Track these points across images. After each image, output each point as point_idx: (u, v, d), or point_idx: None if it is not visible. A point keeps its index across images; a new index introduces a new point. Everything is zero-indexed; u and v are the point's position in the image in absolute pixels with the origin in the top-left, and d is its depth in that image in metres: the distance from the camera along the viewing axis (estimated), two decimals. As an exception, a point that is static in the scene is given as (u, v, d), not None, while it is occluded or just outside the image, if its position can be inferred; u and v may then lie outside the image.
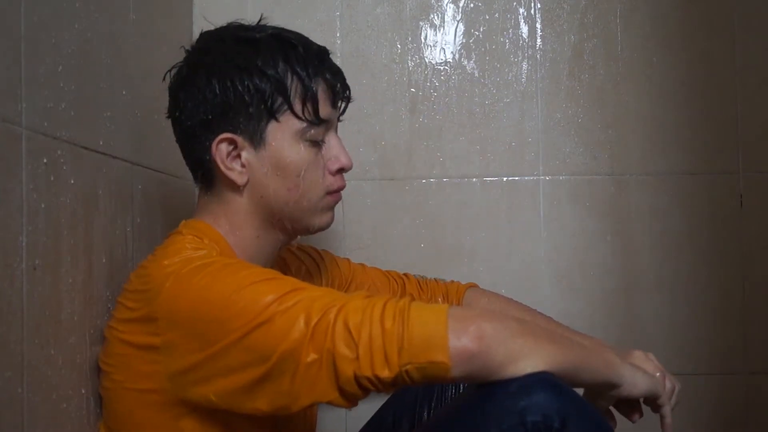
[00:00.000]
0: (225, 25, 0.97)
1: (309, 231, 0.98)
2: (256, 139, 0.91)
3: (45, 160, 0.79)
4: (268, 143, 0.91)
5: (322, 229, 0.98)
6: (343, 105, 0.98)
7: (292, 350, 0.76)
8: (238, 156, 0.92)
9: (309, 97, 0.91)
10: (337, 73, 0.96)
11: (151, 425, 0.85)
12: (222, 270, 0.82)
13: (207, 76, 0.91)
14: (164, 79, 0.98)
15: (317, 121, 0.92)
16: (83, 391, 0.87)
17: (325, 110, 0.93)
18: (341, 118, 0.99)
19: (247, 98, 0.90)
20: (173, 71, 0.97)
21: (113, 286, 0.95)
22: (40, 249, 0.77)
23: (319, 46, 0.96)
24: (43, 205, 0.78)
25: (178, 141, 0.97)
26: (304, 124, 0.92)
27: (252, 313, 0.77)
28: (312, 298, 0.79)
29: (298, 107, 0.91)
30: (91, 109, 0.93)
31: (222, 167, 0.91)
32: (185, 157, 0.97)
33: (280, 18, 1.44)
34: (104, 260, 0.94)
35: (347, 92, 0.97)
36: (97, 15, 0.94)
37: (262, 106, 0.90)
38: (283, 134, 0.91)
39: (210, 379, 0.80)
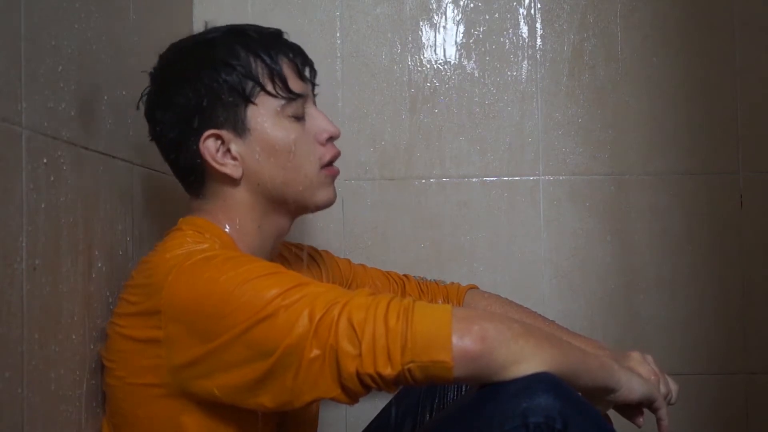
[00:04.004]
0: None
1: (312, 208, 0.98)
2: (240, 128, 0.92)
3: (45, 160, 0.79)
4: (252, 128, 0.92)
5: (325, 205, 0.99)
6: (311, 77, 0.99)
7: (296, 345, 0.76)
8: (228, 150, 0.92)
9: (276, 75, 0.93)
10: (297, 49, 0.97)
11: (154, 420, 0.85)
12: (225, 263, 0.82)
13: (176, 85, 0.93)
14: (138, 107, 0.99)
15: (292, 95, 0.93)
16: (83, 391, 0.87)
17: (295, 84, 0.94)
18: (316, 92, 1.00)
19: (219, 92, 0.91)
20: (144, 98, 0.98)
21: (113, 286, 0.95)
22: (40, 249, 0.77)
23: (272, 29, 0.97)
24: (43, 205, 0.78)
25: (166, 158, 0.97)
26: (282, 101, 0.93)
27: (255, 308, 0.77)
28: (316, 293, 0.79)
29: (269, 86, 0.92)
30: (91, 109, 0.93)
31: (215, 165, 0.92)
32: (176, 169, 0.97)
33: (280, 18, 1.45)
34: (104, 260, 0.94)
35: (310, 64, 0.99)
36: (97, 15, 0.94)
37: (236, 94, 0.91)
38: (264, 115, 0.93)
39: (212, 373, 0.80)
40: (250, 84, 0.92)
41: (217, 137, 0.92)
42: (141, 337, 0.84)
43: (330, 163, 0.98)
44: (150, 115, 0.97)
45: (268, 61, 0.92)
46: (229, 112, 0.91)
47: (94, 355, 0.90)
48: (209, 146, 0.92)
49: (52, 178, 0.80)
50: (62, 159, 0.83)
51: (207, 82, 0.91)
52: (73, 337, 0.85)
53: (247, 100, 0.92)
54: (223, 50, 0.93)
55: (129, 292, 0.88)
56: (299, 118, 0.95)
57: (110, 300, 0.94)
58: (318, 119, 0.97)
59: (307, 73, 0.98)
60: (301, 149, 0.94)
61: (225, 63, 0.92)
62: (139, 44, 1.09)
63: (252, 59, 0.92)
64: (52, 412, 0.80)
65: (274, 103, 0.93)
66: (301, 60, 0.97)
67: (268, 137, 0.93)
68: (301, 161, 0.94)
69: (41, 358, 0.77)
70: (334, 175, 0.99)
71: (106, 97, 0.97)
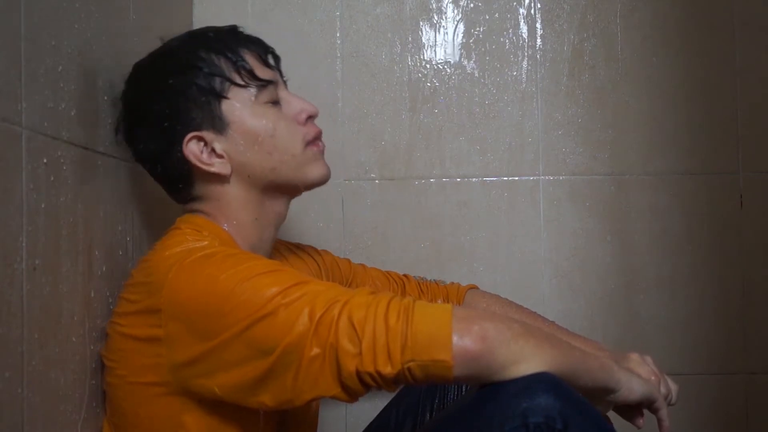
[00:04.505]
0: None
1: (307, 185, 0.99)
2: (218, 125, 0.93)
3: (45, 160, 0.79)
4: (231, 121, 0.93)
5: (320, 181, 0.99)
6: (276, 64, 1.00)
7: (296, 344, 0.76)
8: (213, 150, 0.93)
9: (241, 66, 0.94)
10: (256, 40, 0.98)
11: (155, 419, 0.85)
12: (225, 261, 0.82)
13: (147, 100, 0.94)
14: (117, 134, 0.99)
15: (262, 82, 0.94)
16: (83, 391, 0.87)
17: (262, 72, 0.95)
18: (285, 78, 1.01)
19: (190, 94, 0.92)
20: (120, 124, 0.98)
21: (113, 286, 0.95)
22: (40, 249, 0.77)
23: (228, 26, 0.99)
24: (43, 205, 0.78)
25: (153, 173, 0.98)
26: (254, 90, 0.94)
27: (255, 306, 0.78)
28: (316, 292, 0.79)
29: (237, 79, 0.93)
30: (91, 109, 0.93)
31: (202, 166, 0.92)
32: (165, 181, 0.98)
33: (280, 18, 1.45)
34: (104, 260, 0.94)
35: (272, 51, 1.00)
36: (97, 15, 0.94)
37: (207, 93, 0.92)
38: (239, 107, 0.93)
39: (213, 372, 0.80)
40: (218, 80, 0.93)
41: (199, 139, 0.92)
42: (141, 335, 0.84)
43: (314, 141, 0.98)
44: (129, 137, 0.97)
45: (230, 55, 0.94)
46: (204, 111, 0.92)
47: (94, 355, 0.90)
48: (193, 149, 0.92)
49: (52, 178, 0.80)
50: (62, 159, 0.83)
51: (176, 87, 0.92)
52: (74, 336, 0.85)
53: (219, 95, 0.92)
54: (185, 55, 0.94)
55: (129, 291, 0.88)
56: (275, 103, 0.96)
57: (110, 300, 0.94)
58: (294, 101, 0.98)
59: (271, 60, 0.98)
60: (283, 131, 0.95)
61: (189, 66, 0.93)
62: (139, 44, 1.09)
63: (215, 57, 0.93)
64: (52, 412, 0.80)
65: (247, 94, 0.94)
66: (262, 49, 0.98)
67: (248, 127, 0.93)
68: (286, 143, 0.95)
69: (41, 358, 0.77)
70: (321, 150, 1.00)
71: (106, 97, 0.97)
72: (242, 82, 0.93)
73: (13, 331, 0.71)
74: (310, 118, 0.99)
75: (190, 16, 1.44)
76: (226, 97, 0.93)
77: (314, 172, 0.98)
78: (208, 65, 0.93)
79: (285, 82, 1.01)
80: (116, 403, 0.89)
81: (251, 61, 0.95)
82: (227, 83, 0.93)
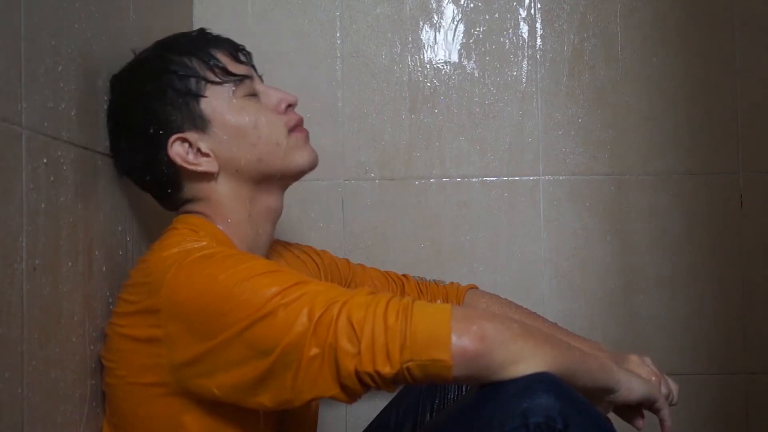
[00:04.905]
0: None
1: (296, 171, 0.98)
2: (200, 123, 0.93)
3: (45, 160, 0.79)
4: (212, 118, 0.93)
5: (308, 166, 0.99)
6: (248, 60, 1.00)
7: (296, 344, 0.76)
8: (198, 151, 0.93)
9: (214, 65, 0.95)
10: (224, 39, 0.99)
11: (155, 420, 0.85)
12: (224, 261, 0.82)
13: (127, 111, 0.95)
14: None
15: (237, 77, 0.95)
16: (83, 391, 0.87)
17: (235, 68, 0.96)
18: (260, 74, 1.02)
19: (167, 98, 0.93)
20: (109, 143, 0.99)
21: (113, 286, 0.95)
22: (40, 249, 0.77)
23: (196, 30, 1.00)
24: (43, 205, 0.78)
25: (142, 183, 0.98)
26: (231, 85, 0.95)
27: (254, 306, 0.78)
28: (315, 292, 0.79)
29: (212, 76, 0.94)
30: (91, 109, 0.93)
31: (189, 167, 0.93)
32: (155, 188, 0.98)
33: (280, 18, 1.45)
34: (104, 260, 0.94)
35: (242, 48, 1.00)
36: (97, 15, 0.94)
37: (185, 94, 0.93)
38: (218, 104, 0.94)
39: (212, 372, 0.80)
40: (193, 80, 0.93)
41: (183, 140, 0.93)
42: (141, 336, 0.84)
43: (297, 127, 0.99)
44: (116, 151, 0.98)
45: (201, 55, 0.95)
46: (183, 112, 0.93)
47: (94, 355, 0.90)
48: (178, 151, 0.92)
49: (52, 178, 0.80)
50: (62, 159, 0.83)
51: (153, 94, 0.93)
52: (74, 336, 0.85)
53: (197, 95, 0.93)
54: (158, 61, 0.95)
55: (128, 292, 0.88)
56: (253, 95, 0.97)
57: (110, 300, 0.94)
58: (271, 92, 0.99)
59: (242, 57, 0.99)
60: (265, 121, 0.95)
61: (163, 71, 0.93)
62: (139, 44, 1.09)
63: (186, 59, 0.94)
64: (52, 412, 0.80)
65: (224, 90, 0.94)
66: (232, 47, 0.99)
67: (229, 121, 0.94)
68: (269, 131, 0.95)
69: (41, 358, 0.77)
70: (306, 136, 1.00)
71: (106, 98, 0.97)
72: (217, 80, 0.94)
73: (13, 331, 0.71)
74: (290, 106, 0.99)
75: (190, 16, 1.44)
76: (203, 96, 0.93)
77: (302, 157, 0.98)
78: (181, 68, 0.93)
79: (260, 77, 1.01)
80: (116, 403, 0.89)
81: (223, 59, 0.96)
82: (203, 82, 0.93)
